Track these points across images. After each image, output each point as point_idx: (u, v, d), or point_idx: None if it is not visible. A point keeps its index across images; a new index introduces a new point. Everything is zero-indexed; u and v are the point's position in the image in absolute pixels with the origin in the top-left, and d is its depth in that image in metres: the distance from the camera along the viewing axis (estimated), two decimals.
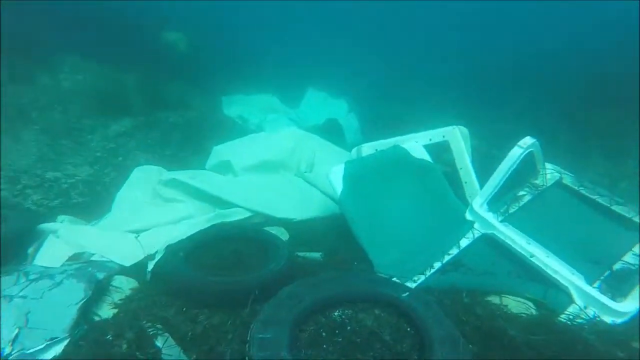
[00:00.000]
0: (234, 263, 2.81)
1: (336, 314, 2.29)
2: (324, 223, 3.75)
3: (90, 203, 3.71)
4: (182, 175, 3.84)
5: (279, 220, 3.70)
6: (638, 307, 2.35)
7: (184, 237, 2.92)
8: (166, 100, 6.29)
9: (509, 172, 3.04)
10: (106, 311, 2.23)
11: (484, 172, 3.98)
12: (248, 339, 1.98)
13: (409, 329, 2.15)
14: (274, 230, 3.53)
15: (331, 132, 6.08)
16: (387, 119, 7.76)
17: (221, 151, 4.64)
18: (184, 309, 2.31)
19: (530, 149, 3.05)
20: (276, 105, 7.78)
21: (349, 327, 2.18)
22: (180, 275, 2.47)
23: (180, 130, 5.77)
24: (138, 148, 5.07)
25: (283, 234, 3.51)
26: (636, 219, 2.90)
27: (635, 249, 2.75)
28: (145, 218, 3.37)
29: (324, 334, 2.15)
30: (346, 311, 2.30)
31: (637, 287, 2.39)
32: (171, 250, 2.75)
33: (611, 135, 5.18)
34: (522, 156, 3.01)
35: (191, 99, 6.78)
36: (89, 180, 4.05)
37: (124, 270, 2.63)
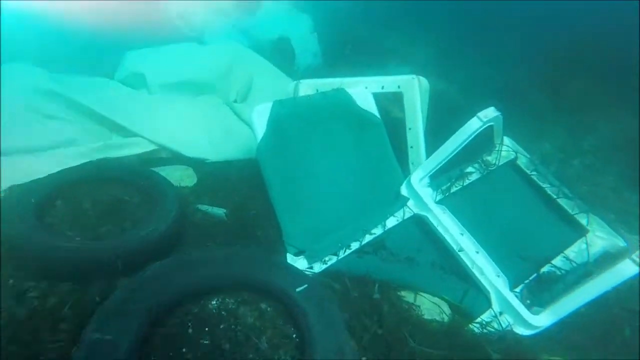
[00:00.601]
0: (107, 218, 2.23)
1: (214, 303, 1.86)
2: (242, 167, 3.19)
3: None
4: (69, 85, 3.01)
5: (188, 159, 3.09)
6: (551, 322, 2.12)
7: (44, 176, 2.26)
8: None
9: (461, 146, 2.56)
10: None
11: (440, 126, 3.51)
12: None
13: (294, 335, 1.78)
14: (178, 171, 2.93)
15: (282, 54, 5.21)
16: (358, 46, 6.88)
17: (135, 60, 3.75)
18: (11, 281, 1.76)
19: (491, 123, 2.55)
20: (227, 8, 6.54)
21: (222, 325, 1.77)
22: (17, 232, 1.87)
23: None
24: None
25: (189, 178, 2.93)
26: (579, 218, 2.61)
27: (568, 252, 2.49)
28: (6, 137, 2.61)
29: (190, 330, 1.73)
30: (227, 300, 1.88)
31: (556, 301, 2.14)
32: (18, 192, 2.11)
33: (579, 109, 4.80)
34: (480, 130, 2.52)
35: None
36: None
37: None
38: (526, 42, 5.66)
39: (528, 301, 2.24)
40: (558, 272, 2.37)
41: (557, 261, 2.43)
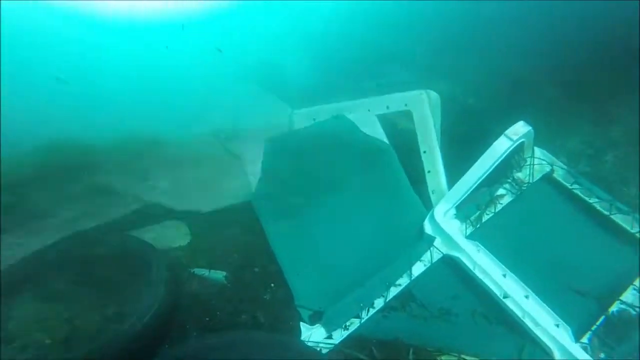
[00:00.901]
0: (84, 307, 1.90)
1: None
2: (240, 213, 2.82)
3: None
4: None
5: (180, 214, 2.75)
6: None
7: (7, 265, 1.93)
8: None
9: (489, 170, 2.18)
10: None
11: (455, 136, 3.15)
12: None
13: None
14: (169, 230, 2.60)
15: (272, 74, 4.87)
16: (352, 52, 6.51)
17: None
18: None
19: (522, 140, 2.17)
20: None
21: None
22: None
23: None
24: None
25: (182, 236, 2.59)
26: None
27: (638, 282, 2.08)
28: None
29: None
30: None
31: None
32: None
33: (602, 97, 4.37)
34: (510, 150, 2.14)
35: None
36: None
37: None
38: (533, 31, 5.30)
39: (602, 355, 1.83)
40: (632, 311, 1.95)
41: (627, 296, 2.01)
